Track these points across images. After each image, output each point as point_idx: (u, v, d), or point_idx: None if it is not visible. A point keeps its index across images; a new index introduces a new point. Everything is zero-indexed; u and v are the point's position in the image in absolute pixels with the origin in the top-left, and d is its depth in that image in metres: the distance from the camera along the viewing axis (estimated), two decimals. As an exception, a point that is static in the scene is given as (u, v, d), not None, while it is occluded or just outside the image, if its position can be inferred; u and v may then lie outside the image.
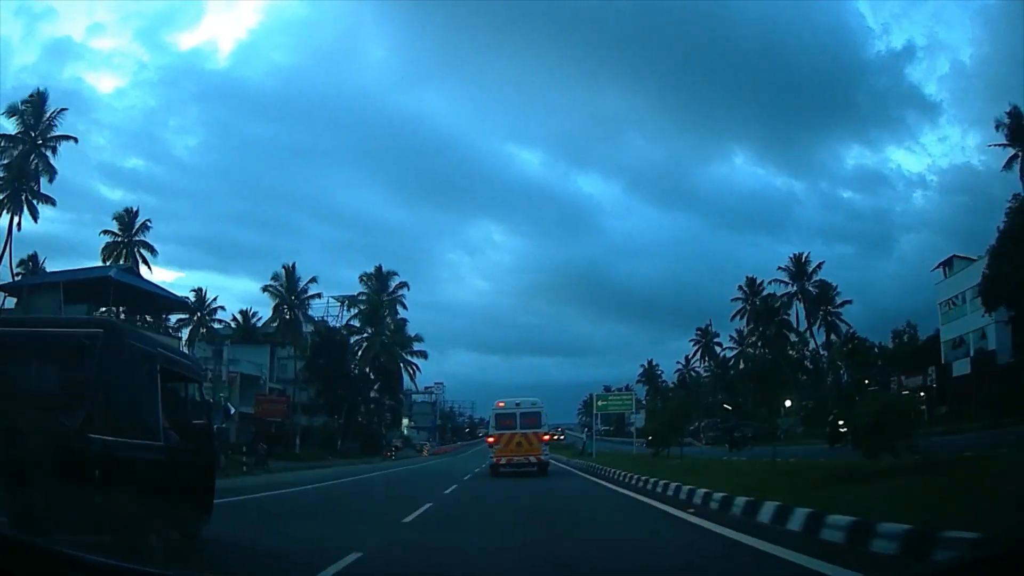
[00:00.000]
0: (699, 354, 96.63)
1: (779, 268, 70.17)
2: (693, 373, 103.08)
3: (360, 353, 69.12)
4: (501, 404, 27.82)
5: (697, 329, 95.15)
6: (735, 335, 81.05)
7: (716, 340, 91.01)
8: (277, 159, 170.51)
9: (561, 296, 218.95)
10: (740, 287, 75.04)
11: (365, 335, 69.97)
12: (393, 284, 73.84)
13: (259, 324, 65.40)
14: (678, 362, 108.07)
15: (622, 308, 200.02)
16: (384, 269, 74.15)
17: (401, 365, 73.65)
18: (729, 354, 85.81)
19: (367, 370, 70.02)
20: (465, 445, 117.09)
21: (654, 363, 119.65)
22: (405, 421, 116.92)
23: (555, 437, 53.27)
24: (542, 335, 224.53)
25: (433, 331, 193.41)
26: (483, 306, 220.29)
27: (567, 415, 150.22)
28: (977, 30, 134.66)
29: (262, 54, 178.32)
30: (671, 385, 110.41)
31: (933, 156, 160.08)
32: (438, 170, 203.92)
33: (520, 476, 24.17)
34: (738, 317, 75.57)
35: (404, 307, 74.80)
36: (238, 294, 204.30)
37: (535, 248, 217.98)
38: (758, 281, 73.56)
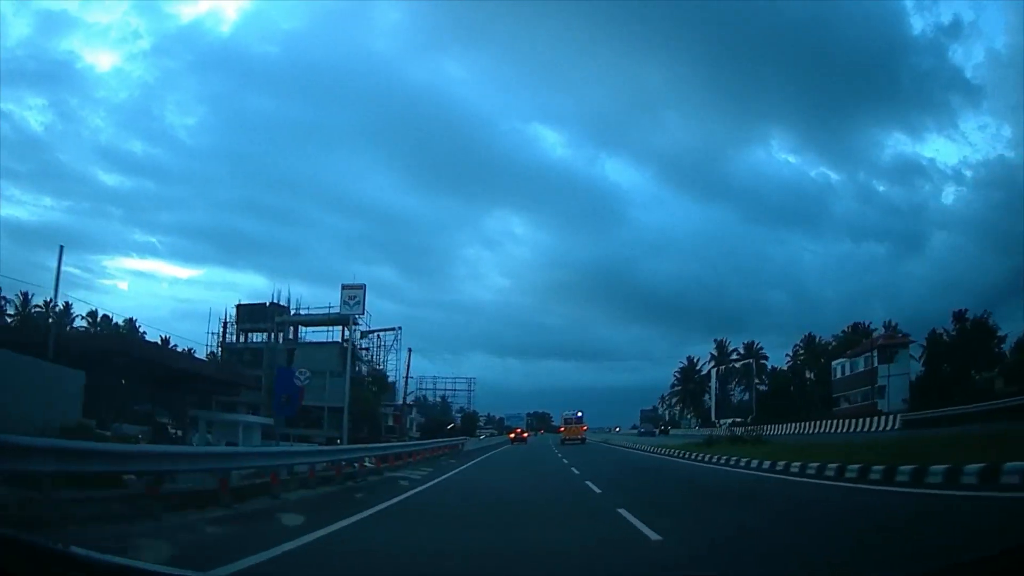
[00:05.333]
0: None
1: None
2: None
3: None
4: (566, 413, 71.10)
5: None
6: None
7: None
8: (283, 140, 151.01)
9: (584, 295, 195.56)
10: None
11: None
12: None
13: None
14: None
15: (647, 309, 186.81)
16: None
17: None
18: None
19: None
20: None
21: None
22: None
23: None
24: (563, 337, 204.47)
25: (450, 332, 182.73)
26: (502, 305, 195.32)
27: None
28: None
29: (265, 18, 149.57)
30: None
31: (973, 144, 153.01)
32: (456, 151, 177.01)
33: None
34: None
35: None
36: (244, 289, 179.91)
37: (558, 242, 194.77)
38: None
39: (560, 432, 70.78)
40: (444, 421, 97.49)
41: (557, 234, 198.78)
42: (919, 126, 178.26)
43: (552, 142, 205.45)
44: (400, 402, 72.37)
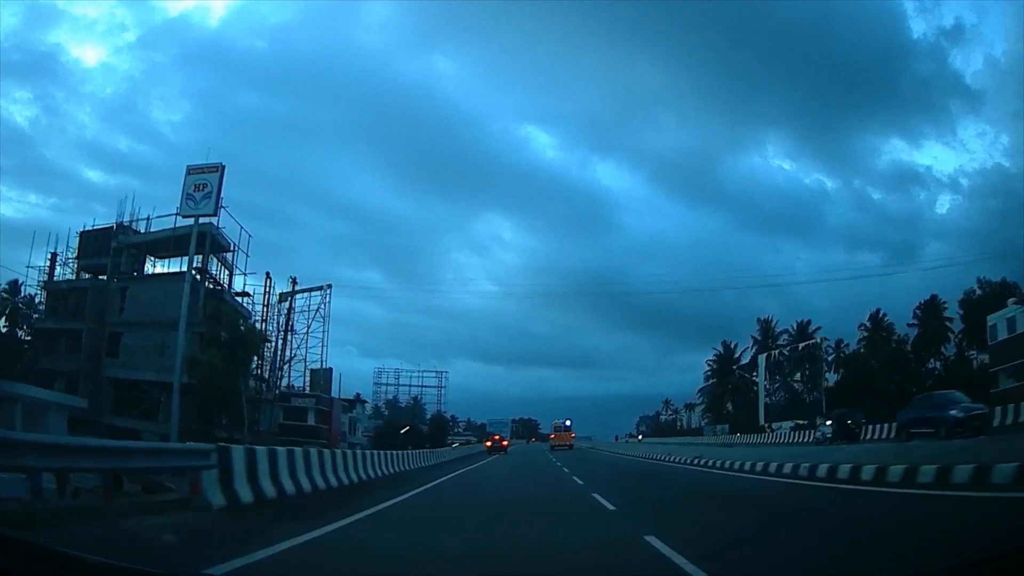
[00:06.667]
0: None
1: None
2: None
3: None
4: (556, 421, 73.01)
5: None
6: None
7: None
8: (269, 137, 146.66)
9: (573, 302, 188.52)
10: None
11: None
12: None
13: None
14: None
15: (636, 317, 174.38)
16: None
17: None
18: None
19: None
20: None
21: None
22: None
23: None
24: (551, 345, 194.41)
25: (437, 338, 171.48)
26: (490, 311, 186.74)
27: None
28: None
29: (253, 12, 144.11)
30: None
31: (971, 152, 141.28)
32: (446, 152, 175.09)
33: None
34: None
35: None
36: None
37: (548, 248, 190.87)
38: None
39: (550, 439, 73.85)
40: (402, 425, 75.42)
41: (547, 239, 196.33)
42: (917, 132, 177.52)
43: (543, 144, 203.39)
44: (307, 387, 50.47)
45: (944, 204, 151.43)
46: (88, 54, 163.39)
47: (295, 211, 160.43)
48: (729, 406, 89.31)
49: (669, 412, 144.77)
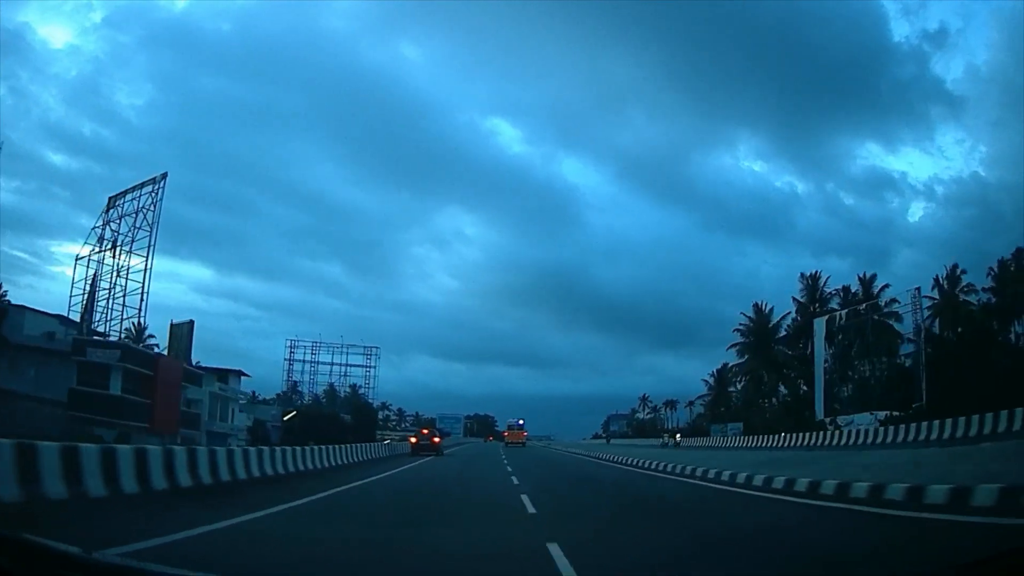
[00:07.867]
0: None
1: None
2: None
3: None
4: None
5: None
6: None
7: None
8: (232, 124, 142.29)
9: (534, 300, 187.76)
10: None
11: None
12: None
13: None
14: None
15: (598, 317, 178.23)
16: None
17: None
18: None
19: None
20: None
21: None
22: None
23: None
24: (510, 343, 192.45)
25: (395, 333, 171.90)
26: (449, 307, 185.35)
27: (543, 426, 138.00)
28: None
29: None
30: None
31: (949, 159, 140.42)
32: (410, 142, 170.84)
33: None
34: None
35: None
36: (189, 281, 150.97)
37: (510, 244, 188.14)
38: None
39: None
40: (317, 415, 55.87)
41: (509, 235, 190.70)
42: (894, 137, 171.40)
43: (510, 137, 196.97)
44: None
45: (917, 211, 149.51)
46: (55, 34, 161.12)
47: (255, 199, 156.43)
48: (733, 399, 72.61)
49: (647, 410, 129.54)
